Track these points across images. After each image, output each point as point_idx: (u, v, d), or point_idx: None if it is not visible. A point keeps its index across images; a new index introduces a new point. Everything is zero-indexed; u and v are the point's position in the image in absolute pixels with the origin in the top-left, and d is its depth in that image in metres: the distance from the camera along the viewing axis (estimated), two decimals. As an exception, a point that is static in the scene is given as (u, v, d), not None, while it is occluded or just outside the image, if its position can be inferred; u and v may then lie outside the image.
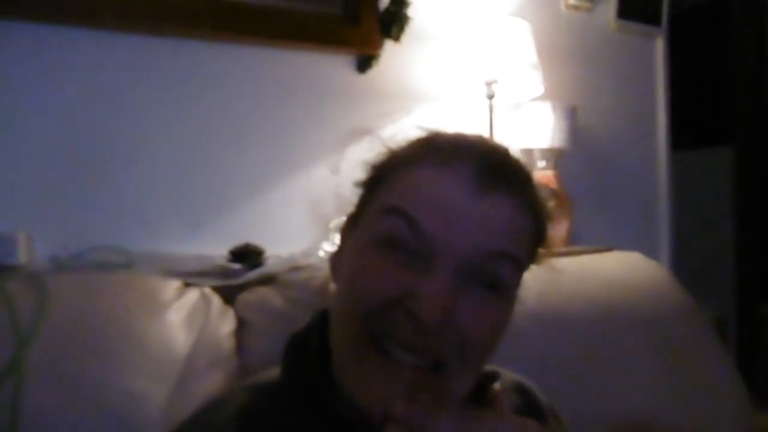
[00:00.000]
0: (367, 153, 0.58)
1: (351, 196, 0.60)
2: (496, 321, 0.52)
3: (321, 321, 0.60)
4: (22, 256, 1.03)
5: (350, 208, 0.60)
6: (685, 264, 1.86)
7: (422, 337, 0.47)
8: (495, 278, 0.50)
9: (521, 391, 0.69)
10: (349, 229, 0.58)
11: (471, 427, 0.45)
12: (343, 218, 0.61)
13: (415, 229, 0.48)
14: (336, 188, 0.62)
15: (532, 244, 0.54)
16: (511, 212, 0.50)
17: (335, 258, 0.59)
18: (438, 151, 0.52)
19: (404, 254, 0.49)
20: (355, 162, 0.60)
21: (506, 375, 0.70)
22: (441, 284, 0.47)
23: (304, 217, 1.26)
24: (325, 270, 1.01)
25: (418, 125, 0.58)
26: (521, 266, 0.52)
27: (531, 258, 0.55)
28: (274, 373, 0.59)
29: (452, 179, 0.49)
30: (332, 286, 0.61)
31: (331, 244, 1.14)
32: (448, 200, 0.49)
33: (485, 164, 0.50)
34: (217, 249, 1.15)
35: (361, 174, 0.59)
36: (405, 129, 0.59)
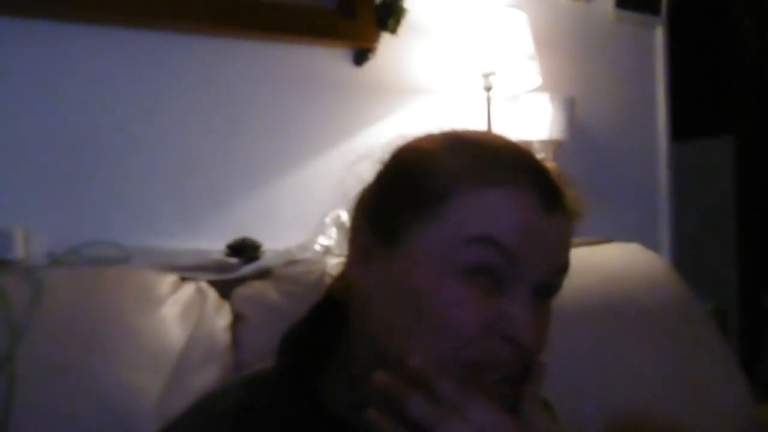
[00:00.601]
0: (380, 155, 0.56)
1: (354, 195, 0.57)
2: (549, 328, 0.54)
3: (317, 316, 0.60)
4: (18, 251, 1.03)
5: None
6: (686, 255, 1.86)
7: (520, 359, 0.49)
8: (556, 289, 0.52)
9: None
10: (378, 241, 0.54)
11: (459, 404, 0.46)
12: (340, 215, 0.59)
13: (507, 257, 0.49)
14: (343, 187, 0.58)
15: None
16: (567, 227, 0.53)
17: (361, 268, 0.55)
18: (503, 170, 0.51)
19: (491, 280, 0.50)
20: (361, 160, 0.57)
21: None
22: (529, 307, 0.49)
23: (301, 212, 1.26)
24: (321, 264, 1.01)
25: (441, 126, 0.56)
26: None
27: None
28: (268, 367, 0.59)
29: (527, 202, 0.50)
30: (357, 300, 0.56)
31: (327, 239, 1.14)
32: (530, 224, 0.49)
33: (546, 183, 0.51)
34: (214, 243, 1.15)
35: (375, 175, 0.56)
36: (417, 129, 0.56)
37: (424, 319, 0.50)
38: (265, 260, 1.06)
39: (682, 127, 1.93)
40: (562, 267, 0.52)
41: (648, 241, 1.45)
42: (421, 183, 0.52)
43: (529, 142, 1.50)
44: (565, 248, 0.52)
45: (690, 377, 1.07)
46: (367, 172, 0.57)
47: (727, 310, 2.57)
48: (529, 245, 0.49)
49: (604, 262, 1.19)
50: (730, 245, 2.82)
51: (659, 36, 1.82)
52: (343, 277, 0.60)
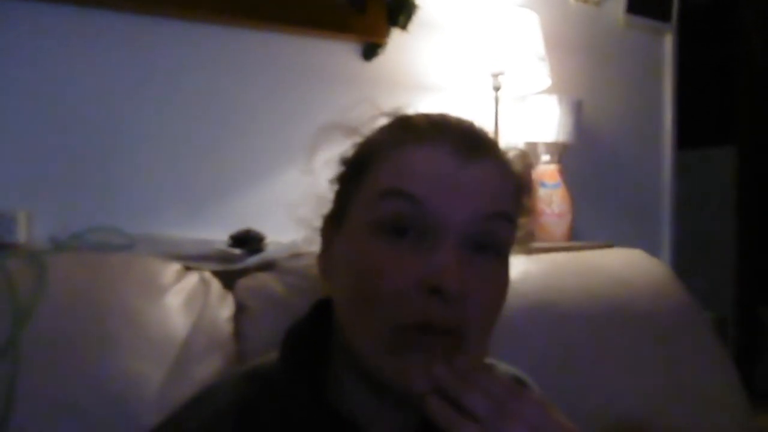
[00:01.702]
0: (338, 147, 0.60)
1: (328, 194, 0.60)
2: (502, 283, 0.54)
3: (321, 311, 0.60)
4: (21, 235, 1.03)
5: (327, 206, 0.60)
6: (686, 263, 1.86)
7: (450, 312, 0.49)
8: (494, 240, 0.52)
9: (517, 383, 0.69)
10: (332, 228, 0.58)
11: (510, 401, 0.46)
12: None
13: (417, 205, 0.50)
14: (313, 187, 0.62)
15: (517, 197, 0.57)
16: (493, 174, 0.53)
17: (324, 259, 0.59)
18: (416, 130, 0.54)
19: (410, 237, 0.50)
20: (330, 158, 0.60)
21: (502, 368, 0.70)
22: (452, 254, 0.49)
23: (306, 205, 1.26)
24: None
25: (381, 112, 0.59)
26: (513, 221, 0.55)
27: (519, 211, 0.57)
28: (271, 360, 0.58)
29: (439, 153, 0.51)
30: (325, 286, 0.59)
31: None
32: (441, 173, 0.50)
33: (462, 136, 0.53)
34: (218, 234, 1.15)
35: (333, 170, 0.60)
36: (367, 119, 0.59)
37: (359, 287, 0.51)
38: (269, 252, 1.06)
39: (685, 135, 1.93)
40: (492, 214, 0.52)
41: (648, 246, 1.45)
42: (354, 158, 0.57)
43: (535, 144, 1.50)
44: (494, 195, 0.52)
45: (690, 384, 1.07)
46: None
47: (725, 319, 2.57)
48: (444, 193, 0.50)
49: (606, 266, 1.19)
50: (730, 256, 2.83)
51: (668, 43, 1.82)
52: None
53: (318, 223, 0.62)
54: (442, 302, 0.48)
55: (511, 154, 0.57)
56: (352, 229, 0.54)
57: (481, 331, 0.52)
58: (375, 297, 0.50)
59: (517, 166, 0.57)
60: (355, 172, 0.56)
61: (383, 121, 0.58)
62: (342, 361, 0.56)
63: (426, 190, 0.50)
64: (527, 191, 0.58)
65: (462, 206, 0.50)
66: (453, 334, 0.50)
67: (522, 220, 0.57)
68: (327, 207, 0.61)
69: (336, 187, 0.59)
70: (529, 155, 0.59)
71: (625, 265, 1.20)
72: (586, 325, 1.05)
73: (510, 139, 1.48)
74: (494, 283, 0.53)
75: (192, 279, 0.92)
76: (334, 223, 0.57)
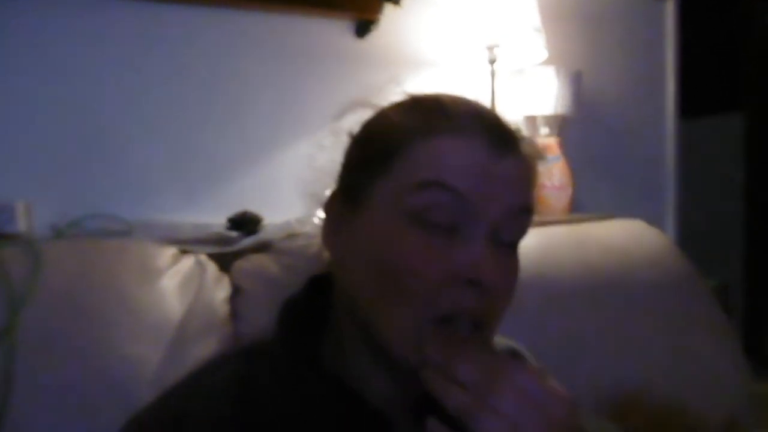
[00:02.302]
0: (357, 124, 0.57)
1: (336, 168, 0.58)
2: (516, 273, 0.55)
3: (315, 286, 0.60)
4: (20, 224, 1.04)
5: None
6: (692, 231, 1.84)
7: (482, 303, 0.49)
8: (519, 233, 0.53)
9: (514, 356, 0.70)
10: (346, 208, 0.55)
11: (504, 372, 0.46)
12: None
13: (458, 198, 0.50)
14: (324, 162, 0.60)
15: (534, 188, 0.57)
16: (522, 169, 0.53)
17: (333, 237, 0.57)
18: (452, 118, 0.52)
19: (443, 229, 0.50)
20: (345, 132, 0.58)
21: (499, 340, 0.70)
22: (488, 247, 0.50)
23: (302, 185, 1.26)
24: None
25: (402, 91, 0.57)
26: (533, 213, 0.55)
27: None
28: (266, 338, 0.59)
29: (476, 146, 0.51)
30: (325, 264, 0.59)
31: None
32: (478, 167, 0.50)
33: (496, 128, 0.53)
34: (214, 217, 1.15)
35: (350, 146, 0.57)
36: (390, 96, 0.57)
37: (388, 276, 0.51)
38: (265, 234, 1.06)
39: (690, 104, 1.90)
40: (521, 208, 0.52)
41: (652, 216, 1.44)
42: (376, 141, 0.55)
43: (534, 117, 1.48)
44: (522, 189, 0.53)
45: (689, 353, 1.07)
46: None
47: (729, 285, 2.56)
48: (480, 186, 0.50)
49: (605, 237, 1.18)
50: (736, 222, 2.80)
51: (670, 9, 1.79)
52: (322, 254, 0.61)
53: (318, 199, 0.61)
54: (476, 294, 0.49)
55: (528, 145, 0.56)
56: (378, 216, 0.52)
57: (499, 319, 0.53)
58: (408, 288, 0.50)
59: (534, 156, 0.56)
60: (379, 155, 0.53)
61: (402, 100, 0.56)
62: (350, 338, 0.55)
63: (467, 182, 0.50)
64: (538, 179, 0.58)
65: (497, 200, 0.51)
66: (480, 327, 0.51)
67: None
68: (330, 182, 0.59)
69: (348, 164, 0.57)
70: (539, 146, 0.59)
71: (625, 236, 1.19)
72: (584, 296, 1.05)
73: (508, 113, 1.47)
74: (513, 273, 0.54)
75: (187, 262, 0.93)
76: (347, 203, 0.55)
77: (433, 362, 0.48)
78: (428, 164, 0.51)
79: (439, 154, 0.51)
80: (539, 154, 0.57)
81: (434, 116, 0.53)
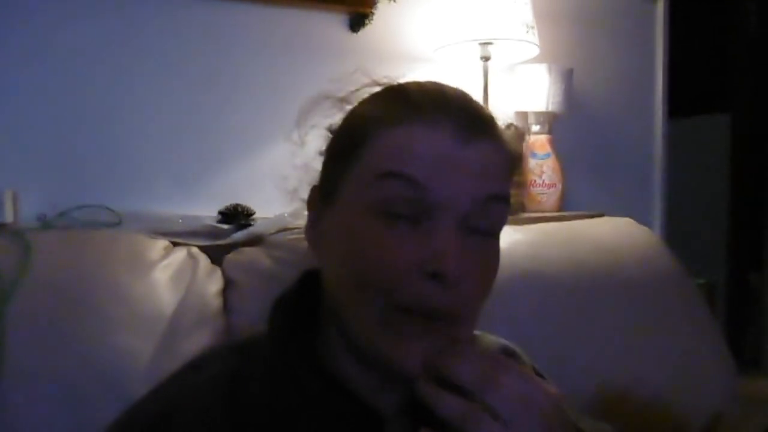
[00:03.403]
0: (327, 117, 0.58)
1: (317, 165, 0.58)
2: (494, 262, 0.53)
3: (307, 281, 0.60)
4: (7, 214, 1.03)
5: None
6: (678, 231, 1.86)
7: (448, 296, 0.48)
8: (490, 221, 0.52)
9: (507, 354, 0.70)
10: (322, 201, 0.56)
11: (495, 373, 0.46)
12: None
13: (418, 189, 0.49)
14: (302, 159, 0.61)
15: (511, 174, 0.56)
16: (492, 155, 0.52)
17: (313, 231, 0.57)
18: (415, 106, 0.51)
19: (407, 219, 0.49)
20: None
21: (492, 339, 0.70)
22: (452, 238, 0.48)
23: (294, 179, 1.25)
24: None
25: (374, 81, 0.57)
26: (508, 200, 0.54)
27: (511, 187, 0.56)
28: (258, 332, 0.59)
29: (439, 133, 0.50)
30: (314, 258, 0.58)
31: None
32: (441, 155, 0.49)
33: (462, 114, 0.51)
34: (206, 209, 1.15)
35: (324, 142, 0.58)
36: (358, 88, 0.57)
37: (354, 268, 0.50)
38: (257, 227, 1.06)
39: (678, 104, 1.92)
40: (491, 196, 0.51)
41: (640, 215, 1.45)
42: (345, 133, 0.55)
43: (525, 114, 1.49)
44: (493, 177, 0.51)
45: (677, 350, 1.08)
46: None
47: (716, 285, 2.60)
48: (443, 175, 0.49)
49: (595, 235, 1.19)
50: (722, 222, 2.84)
51: (660, 8, 1.80)
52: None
53: (305, 195, 0.61)
54: (440, 286, 0.48)
55: (505, 130, 0.55)
56: (345, 208, 0.52)
57: (474, 311, 0.52)
58: (370, 278, 0.49)
59: (511, 143, 0.55)
60: (347, 146, 0.53)
61: (374, 91, 0.56)
62: (332, 333, 0.56)
63: (427, 172, 0.49)
64: (519, 166, 0.58)
65: (462, 189, 0.49)
66: (449, 319, 0.50)
67: (511, 192, 0.56)
68: (315, 177, 0.59)
69: (325, 158, 0.57)
70: (521, 129, 0.58)
71: (614, 234, 1.20)
72: (573, 294, 1.06)
73: (500, 109, 1.47)
74: (488, 263, 0.52)
75: (180, 254, 0.92)
76: (323, 196, 0.56)
77: (425, 369, 0.47)
78: (389, 154, 0.50)
79: (401, 144, 0.50)
80: (516, 135, 0.57)
81: (397, 105, 0.52)
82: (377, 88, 0.57)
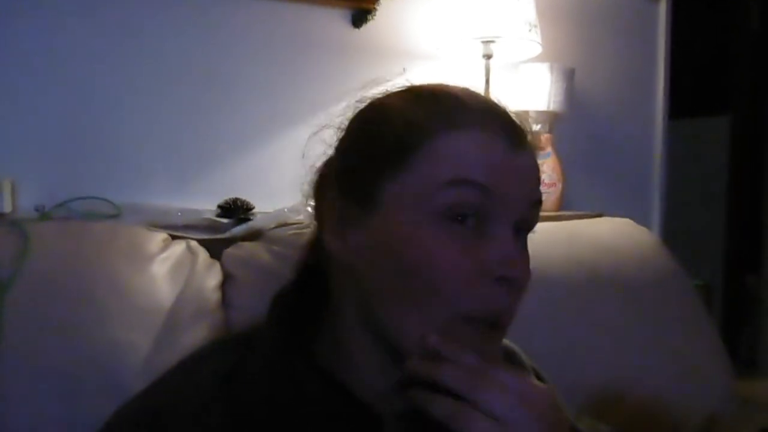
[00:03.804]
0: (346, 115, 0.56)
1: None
2: (530, 265, 0.54)
3: (307, 279, 0.59)
4: (6, 204, 1.02)
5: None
6: (676, 232, 1.87)
7: (510, 299, 0.49)
8: (532, 225, 0.53)
9: (507, 354, 0.70)
10: (354, 207, 0.52)
11: (484, 371, 0.47)
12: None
13: (485, 195, 0.49)
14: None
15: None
16: (534, 162, 0.54)
17: (341, 242, 0.53)
18: (467, 112, 0.51)
19: (468, 224, 0.50)
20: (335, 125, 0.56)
21: None
22: (516, 243, 0.50)
23: (294, 174, 1.25)
24: (312, 226, 1.00)
25: (403, 82, 0.56)
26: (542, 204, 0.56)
27: None
28: (257, 330, 0.58)
29: (495, 141, 0.51)
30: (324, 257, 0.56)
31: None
32: (500, 161, 0.50)
33: (510, 123, 0.52)
34: (205, 203, 1.14)
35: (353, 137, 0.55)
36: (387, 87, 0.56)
37: (413, 276, 0.49)
38: (257, 221, 1.06)
39: (678, 105, 1.92)
40: (537, 201, 0.53)
41: (639, 216, 1.45)
42: (388, 138, 0.52)
43: (527, 112, 1.49)
44: (537, 183, 0.53)
45: (674, 351, 1.08)
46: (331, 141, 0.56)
47: (712, 287, 2.60)
48: (504, 182, 0.50)
49: (594, 235, 1.19)
50: (720, 224, 2.84)
51: (663, 10, 1.80)
52: (314, 247, 0.59)
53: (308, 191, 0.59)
54: (506, 291, 0.48)
55: (535, 138, 0.56)
56: (399, 215, 0.50)
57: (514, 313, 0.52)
58: (433, 286, 0.49)
59: (539, 150, 0.57)
60: (394, 152, 0.51)
61: (412, 97, 0.54)
62: (352, 335, 0.54)
63: (491, 179, 0.49)
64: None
65: (520, 194, 0.51)
66: (499, 326, 0.50)
67: None
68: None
69: (355, 161, 0.53)
70: (539, 137, 0.59)
71: (613, 234, 1.20)
72: (571, 293, 1.06)
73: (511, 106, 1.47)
74: (529, 262, 0.53)
75: (178, 248, 0.92)
76: (354, 202, 0.52)
77: (416, 372, 0.48)
78: (451, 162, 0.49)
79: (461, 152, 0.50)
80: (541, 147, 0.59)
81: (449, 110, 0.51)
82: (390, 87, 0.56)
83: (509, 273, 0.48)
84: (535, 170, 0.53)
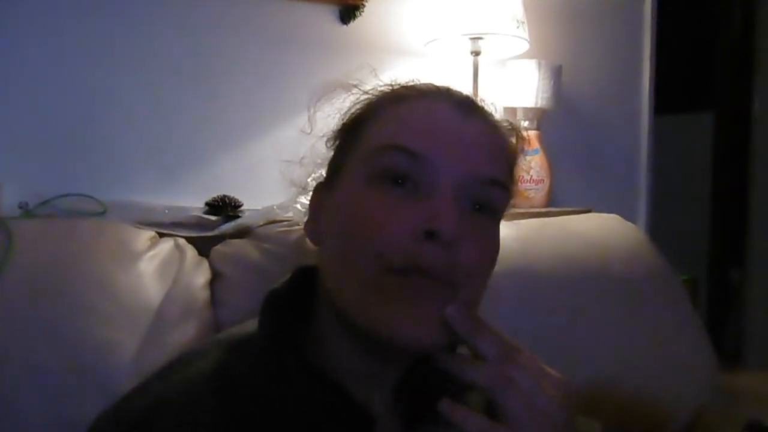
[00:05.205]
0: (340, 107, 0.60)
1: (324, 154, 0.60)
2: (495, 242, 0.55)
3: (300, 277, 0.59)
4: (-11, 203, 1.00)
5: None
6: (662, 227, 1.88)
7: (443, 257, 0.49)
8: (490, 203, 0.53)
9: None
10: (324, 193, 0.57)
11: (514, 348, 0.50)
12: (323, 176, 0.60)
13: (416, 160, 0.50)
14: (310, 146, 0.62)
15: (511, 169, 0.58)
16: (490, 136, 0.54)
17: (313, 224, 0.58)
18: (416, 89, 0.55)
19: (406, 188, 0.51)
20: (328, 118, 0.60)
21: None
22: (449, 202, 0.50)
23: (282, 171, 1.24)
24: (302, 223, 1.00)
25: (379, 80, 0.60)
26: (508, 190, 0.55)
27: (511, 183, 0.58)
28: (249, 328, 0.58)
29: (439, 107, 0.52)
30: (311, 250, 0.60)
31: (308, 199, 1.13)
32: (440, 127, 0.51)
33: (460, 95, 0.55)
34: (193, 200, 1.14)
35: (331, 131, 0.60)
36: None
37: (346, 237, 0.51)
38: (245, 219, 1.05)
39: (663, 101, 1.93)
40: (489, 178, 0.52)
41: (626, 211, 1.46)
42: (349, 119, 0.57)
43: (514, 109, 1.49)
44: (491, 159, 0.53)
45: (660, 345, 1.09)
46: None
47: (698, 281, 2.63)
48: (442, 148, 0.51)
49: (582, 231, 1.19)
50: (705, 219, 2.87)
51: (648, 7, 1.81)
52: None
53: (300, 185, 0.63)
54: (436, 247, 0.48)
55: (505, 126, 0.57)
56: (345, 185, 0.54)
57: (473, 284, 0.52)
58: (367, 242, 0.49)
59: (507, 134, 0.57)
60: (349, 134, 0.56)
61: (378, 87, 0.59)
62: (328, 323, 0.55)
63: (425, 144, 0.50)
64: (517, 160, 0.59)
65: (461, 161, 0.51)
66: (444, 281, 0.50)
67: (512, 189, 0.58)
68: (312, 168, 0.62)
69: (331, 155, 0.59)
70: (516, 125, 0.60)
71: (601, 230, 1.21)
72: (560, 289, 1.06)
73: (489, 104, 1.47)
74: (488, 239, 0.53)
75: (166, 245, 0.91)
76: (325, 189, 0.57)
77: (460, 336, 0.49)
78: (388, 129, 0.52)
79: (400, 118, 0.52)
80: (515, 132, 0.58)
81: (403, 90, 0.55)
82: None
83: (434, 226, 0.48)
84: (490, 146, 0.53)
